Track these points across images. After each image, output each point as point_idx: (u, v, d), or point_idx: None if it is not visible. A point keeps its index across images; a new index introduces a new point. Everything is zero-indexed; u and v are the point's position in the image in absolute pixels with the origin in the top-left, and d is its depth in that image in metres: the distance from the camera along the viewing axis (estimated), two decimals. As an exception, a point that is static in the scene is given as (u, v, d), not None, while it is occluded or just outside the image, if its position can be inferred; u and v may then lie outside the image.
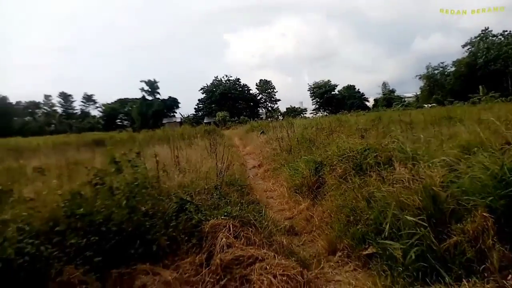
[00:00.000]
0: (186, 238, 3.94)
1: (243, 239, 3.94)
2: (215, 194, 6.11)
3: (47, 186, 5.27)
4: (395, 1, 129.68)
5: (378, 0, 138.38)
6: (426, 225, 3.61)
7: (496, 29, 61.86)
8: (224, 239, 3.79)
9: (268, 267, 3.36)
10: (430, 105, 55.62)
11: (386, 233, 3.75)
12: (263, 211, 5.37)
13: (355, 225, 4.50)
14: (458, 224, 3.58)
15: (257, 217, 4.84)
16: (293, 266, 3.42)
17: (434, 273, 3.30)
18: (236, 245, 3.75)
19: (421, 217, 3.68)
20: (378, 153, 5.65)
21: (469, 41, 61.29)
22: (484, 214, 3.46)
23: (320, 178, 6.60)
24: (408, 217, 3.69)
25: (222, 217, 4.33)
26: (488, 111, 18.17)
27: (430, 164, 4.37)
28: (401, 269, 3.38)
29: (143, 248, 3.66)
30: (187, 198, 4.68)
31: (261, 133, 19.96)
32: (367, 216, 4.40)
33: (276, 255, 3.68)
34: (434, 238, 3.54)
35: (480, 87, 47.65)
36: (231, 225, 4.05)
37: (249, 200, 6.37)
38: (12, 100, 74.89)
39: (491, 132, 8.04)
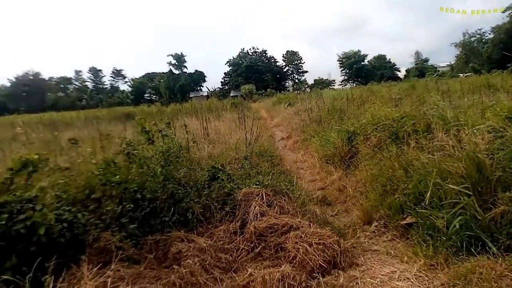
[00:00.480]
0: (219, 206, 3.92)
1: (276, 207, 3.87)
2: (245, 164, 6.06)
3: (81, 156, 5.38)
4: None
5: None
6: (471, 193, 3.42)
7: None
8: (257, 207, 3.73)
9: (303, 236, 3.28)
10: (466, 75, 53.05)
11: (427, 201, 3.57)
12: (295, 181, 5.27)
13: (392, 194, 4.33)
14: (506, 193, 3.37)
15: (289, 186, 4.76)
16: (329, 235, 3.32)
17: (479, 243, 3.13)
18: (270, 214, 3.69)
19: (464, 185, 3.49)
20: (416, 120, 5.38)
21: (510, 5, 57.12)
22: (535, 181, 3.23)
23: (353, 148, 6.40)
24: (451, 186, 3.49)
25: (254, 185, 4.27)
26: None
27: (475, 131, 4.10)
28: (444, 238, 3.22)
29: (177, 215, 3.67)
30: (218, 166, 4.62)
31: (287, 105, 19.67)
32: (405, 185, 4.22)
33: (310, 224, 3.60)
34: (478, 207, 3.35)
35: (522, 54, 44.91)
36: (263, 193, 3.98)
37: (280, 170, 6.28)
38: (45, 76, 77.33)
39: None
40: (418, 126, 5.23)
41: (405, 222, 3.82)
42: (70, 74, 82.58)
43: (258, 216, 3.65)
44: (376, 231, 4.01)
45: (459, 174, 3.66)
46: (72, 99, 72.80)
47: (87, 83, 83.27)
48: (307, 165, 7.53)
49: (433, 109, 5.46)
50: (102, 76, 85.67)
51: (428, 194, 3.62)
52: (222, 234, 3.51)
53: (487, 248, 3.06)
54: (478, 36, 62.48)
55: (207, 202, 3.90)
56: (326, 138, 7.88)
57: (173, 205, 3.73)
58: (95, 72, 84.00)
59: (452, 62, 69.39)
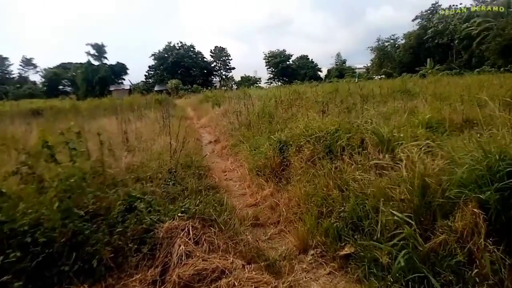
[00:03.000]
0: (135, 247, 3.21)
1: (205, 244, 3.31)
2: (169, 180, 5.45)
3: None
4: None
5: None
6: (412, 222, 3.22)
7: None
8: (182, 247, 3.14)
9: (236, 284, 2.79)
10: (379, 77, 57.47)
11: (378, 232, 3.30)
12: (225, 201, 4.77)
13: (327, 217, 4.06)
14: (446, 221, 3.23)
15: (218, 209, 4.25)
16: (266, 280, 2.88)
17: (424, 279, 2.93)
18: (197, 254, 3.13)
19: (406, 213, 3.29)
20: (351, 134, 5.21)
21: (419, 14, 63.21)
22: (474, 209, 3.11)
23: (285, 160, 6.09)
24: (396, 213, 3.26)
25: (179, 214, 3.67)
26: (437, 84, 18.72)
27: (414, 150, 3.96)
28: (388, 276, 2.97)
29: (80, 263, 2.93)
30: (137, 194, 3.90)
31: (215, 105, 19.10)
32: (342, 208, 3.97)
33: (244, 265, 3.12)
34: (419, 236, 3.17)
35: (428, 60, 49.84)
36: (190, 227, 3.40)
37: (208, 185, 5.76)
38: None
39: (451, 109, 7.97)
40: (352, 141, 5.06)
41: (343, 252, 3.53)
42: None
43: (183, 258, 3.06)
44: (313, 261, 3.65)
45: (400, 198, 3.47)
46: (-30, 89, 64.23)
47: (-10, 72, 74.22)
48: (237, 175, 7.08)
49: (367, 123, 5.35)
50: (9, 65, 76.88)
51: (379, 227, 3.34)
52: (138, 286, 2.87)
53: (430, 284, 2.87)
54: (392, 41, 67.85)
55: (120, 242, 3.18)
56: (256, 146, 7.52)
57: (76, 249, 2.98)
58: (1, 60, 74.95)
59: (368, 65, 74.80)
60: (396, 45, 66.34)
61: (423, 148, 4.08)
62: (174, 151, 6.82)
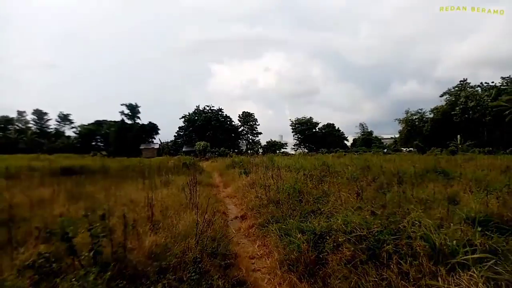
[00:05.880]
0: None
1: None
2: (194, 274, 5.02)
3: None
4: (374, 48, 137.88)
5: (359, 45, 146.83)
6: None
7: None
8: None
9: None
10: (408, 149, 56.97)
11: None
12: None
13: None
14: None
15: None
16: None
17: None
18: None
19: None
20: (397, 237, 4.68)
21: (447, 90, 64.29)
22: None
23: (321, 256, 5.54)
24: None
25: None
26: (471, 164, 17.98)
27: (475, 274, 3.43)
28: None
29: None
30: None
31: (243, 173, 18.87)
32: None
33: None
34: None
35: (458, 136, 49.20)
36: None
37: (235, 280, 5.30)
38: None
39: (498, 202, 7.32)
40: (400, 246, 4.52)
41: None
42: (12, 114, 77.84)
43: None
44: None
45: None
46: (11, 140, 67.72)
47: (30, 125, 78.57)
48: (265, 265, 6.50)
49: (414, 225, 4.84)
50: (48, 120, 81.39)
51: None
52: None
53: None
54: (419, 114, 68.27)
55: None
56: (285, 231, 7.03)
57: None
58: (40, 114, 79.72)
59: (396, 136, 74.92)
60: (424, 119, 66.58)
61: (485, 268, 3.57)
62: (200, 232, 6.44)
